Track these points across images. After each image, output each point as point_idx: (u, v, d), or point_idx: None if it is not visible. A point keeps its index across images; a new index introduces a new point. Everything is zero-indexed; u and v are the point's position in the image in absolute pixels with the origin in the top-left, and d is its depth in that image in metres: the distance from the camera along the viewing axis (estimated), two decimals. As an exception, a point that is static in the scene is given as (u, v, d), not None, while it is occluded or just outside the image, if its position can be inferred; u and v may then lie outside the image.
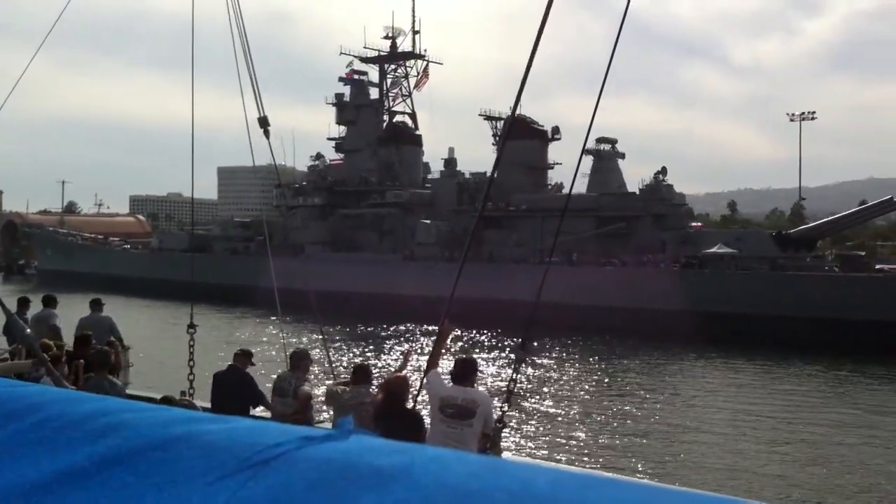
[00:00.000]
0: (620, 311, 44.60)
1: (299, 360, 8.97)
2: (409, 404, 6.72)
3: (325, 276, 58.54)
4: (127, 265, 72.66)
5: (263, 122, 9.76)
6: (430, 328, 44.63)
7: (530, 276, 50.38)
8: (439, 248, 57.20)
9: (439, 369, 6.90)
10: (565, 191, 63.41)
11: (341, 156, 76.86)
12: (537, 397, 26.76)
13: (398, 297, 50.18)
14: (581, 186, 65.15)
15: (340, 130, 77.28)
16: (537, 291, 6.60)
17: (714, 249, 48.19)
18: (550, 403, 25.83)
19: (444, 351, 7.30)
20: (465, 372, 6.64)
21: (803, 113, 71.62)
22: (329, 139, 77.98)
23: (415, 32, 75.66)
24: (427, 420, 6.60)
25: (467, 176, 67.06)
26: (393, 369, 9.23)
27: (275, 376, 9.52)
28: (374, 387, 7.91)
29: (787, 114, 72.31)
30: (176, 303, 56.54)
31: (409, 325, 45.05)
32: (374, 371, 8.97)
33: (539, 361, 34.92)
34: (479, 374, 7.35)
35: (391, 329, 43.86)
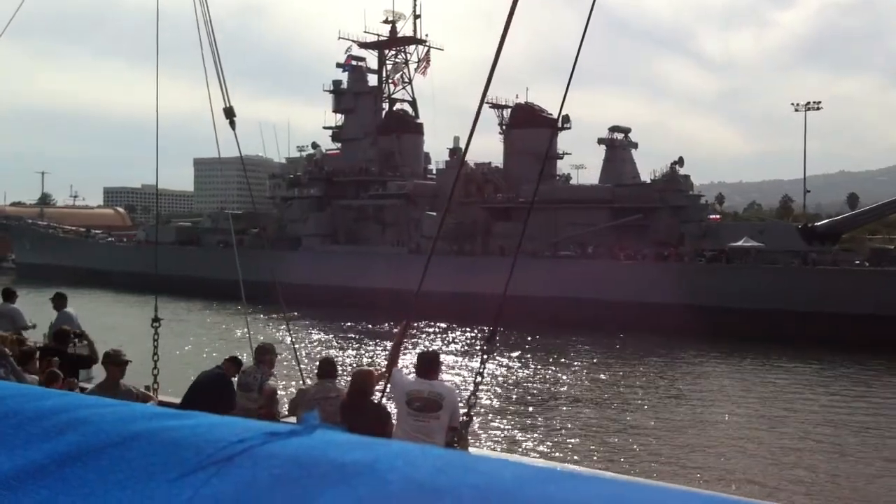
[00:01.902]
0: (643, 307, 42.39)
1: (264, 354, 8.81)
2: (375, 398, 6.81)
3: (326, 271, 56.28)
4: (112, 259, 69.89)
5: (229, 113, 9.78)
6: (436, 325, 42.62)
7: (545, 270, 48.33)
8: (447, 242, 54.74)
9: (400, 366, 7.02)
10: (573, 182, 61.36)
11: (338, 145, 74.23)
12: (552, 395, 26.31)
13: (403, 291, 47.69)
14: (594, 177, 63.20)
15: (338, 119, 74.69)
16: (505, 284, 6.31)
17: (740, 243, 46.11)
18: (570, 402, 25.42)
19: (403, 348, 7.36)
20: (429, 365, 6.76)
21: (808, 103, 69.72)
22: (325, 128, 76.25)
23: (416, 16, 73.19)
24: (393, 414, 6.69)
25: (472, 166, 64.49)
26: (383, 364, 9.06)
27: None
28: (340, 381, 7.91)
29: (792, 104, 70.41)
30: (163, 298, 54.14)
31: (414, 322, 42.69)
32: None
33: (549, 358, 34.35)
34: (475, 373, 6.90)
35: (393, 324, 41.69)
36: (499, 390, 27.25)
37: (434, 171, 71.94)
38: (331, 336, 41.20)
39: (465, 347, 37.01)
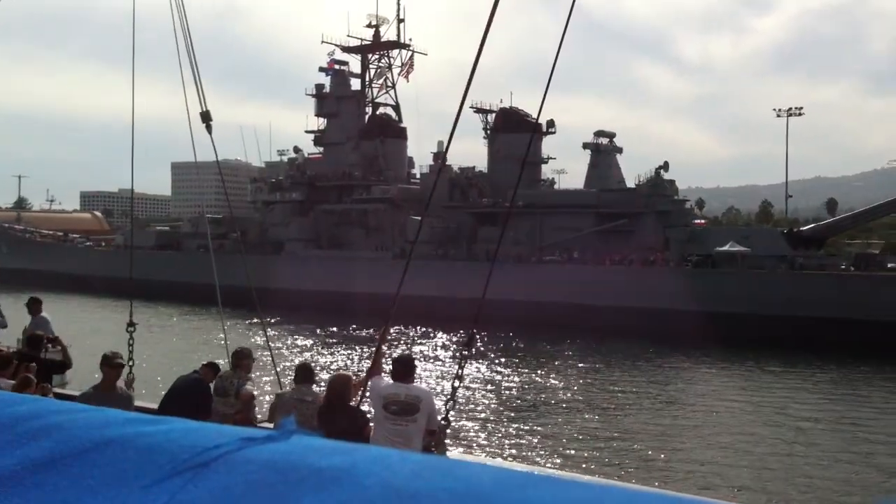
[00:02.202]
0: (629, 312, 42.31)
1: (241, 359, 8.73)
2: (353, 402, 6.86)
3: (309, 276, 55.76)
4: (89, 263, 68.83)
5: (206, 117, 9.82)
6: (421, 329, 42.21)
7: (529, 276, 48.16)
8: (432, 246, 54.29)
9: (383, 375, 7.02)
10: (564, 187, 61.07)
11: (321, 149, 73.57)
12: (536, 399, 26.11)
13: (386, 296, 47.07)
14: (575, 182, 63.09)
15: (320, 123, 74.05)
16: (483, 288, 6.65)
17: (726, 248, 46.03)
18: (554, 408, 25.19)
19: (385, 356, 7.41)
20: (405, 370, 6.79)
21: (790, 109, 70.07)
22: (308, 132, 75.47)
23: (399, 20, 72.79)
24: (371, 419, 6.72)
25: (456, 170, 64.17)
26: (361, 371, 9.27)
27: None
28: (316, 386, 7.93)
29: (774, 109, 71.04)
30: (146, 302, 53.81)
31: (398, 326, 43.22)
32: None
33: (533, 363, 34.19)
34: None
35: (374, 331, 41.33)
36: (481, 395, 27.08)
37: (418, 176, 71.44)
38: (312, 341, 40.92)
39: (449, 352, 36.79)
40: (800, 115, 70.79)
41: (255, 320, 47.02)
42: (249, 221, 73.45)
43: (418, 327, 43.51)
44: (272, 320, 48.92)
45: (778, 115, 70.90)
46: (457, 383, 6.56)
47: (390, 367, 6.96)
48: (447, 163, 67.74)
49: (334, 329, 44.17)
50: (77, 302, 57.27)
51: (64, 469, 1.27)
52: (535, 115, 53.87)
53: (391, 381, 6.71)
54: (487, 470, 1.17)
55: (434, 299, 42.33)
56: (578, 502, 1.09)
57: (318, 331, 44.24)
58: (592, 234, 53.40)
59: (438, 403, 7.14)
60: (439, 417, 6.63)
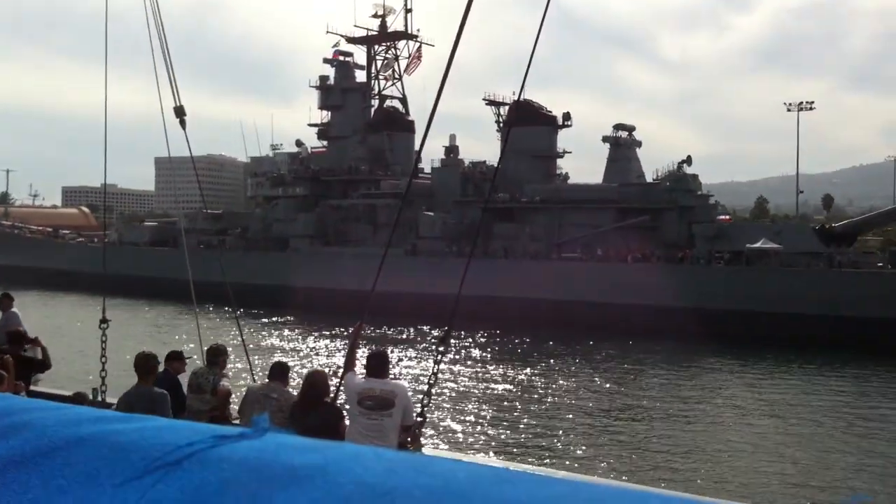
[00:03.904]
0: (661, 311, 40.62)
1: (216, 356, 8.79)
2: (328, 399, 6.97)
3: (316, 273, 53.77)
4: (84, 260, 66.21)
5: (179, 112, 9.90)
6: (431, 329, 40.45)
7: (549, 274, 46.53)
8: (444, 243, 52.29)
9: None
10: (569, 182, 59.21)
11: (324, 143, 71.34)
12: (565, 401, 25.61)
13: (399, 295, 44.93)
14: (597, 176, 61.24)
15: (324, 116, 72.01)
16: (460, 284, 6.43)
17: (758, 245, 44.37)
18: (588, 410, 24.70)
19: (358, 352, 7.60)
20: (380, 365, 6.85)
21: (801, 103, 68.63)
22: (310, 125, 73.86)
23: (407, 10, 70.96)
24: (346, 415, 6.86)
25: (468, 164, 62.24)
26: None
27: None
28: (288, 384, 7.91)
29: (785, 103, 69.41)
30: (142, 301, 52.08)
31: (403, 327, 42.32)
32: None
33: (551, 362, 33.32)
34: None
35: (381, 330, 40.94)
36: (482, 393, 26.99)
37: (428, 170, 69.37)
38: (310, 340, 40.18)
39: (464, 351, 36.11)
40: (811, 109, 69.40)
41: (265, 320, 45.34)
42: (250, 217, 71.21)
43: (410, 326, 42.24)
44: (288, 319, 47.18)
45: (788, 110, 69.51)
46: (433, 380, 6.53)
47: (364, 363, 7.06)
48: (459, 156, 66.05)
49: (340, 329, 42.29)
50: (66, 299, 55.56)
51: (33, 468, 1.24)
52: (549, 109, 52.16)
53: (365, 377, 6.76)
54: (464, 466, 1.16)
55: (446, 297, 40.32)
56: (554, 498, 1.08)
57: (313, 328, 43.59)
58: (613, 230, 51.63)
59: (414, 399, 7.20)
60: (415, 413, 6.63)
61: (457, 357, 33.91)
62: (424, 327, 41.48)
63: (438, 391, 25.92)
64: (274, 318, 47.40)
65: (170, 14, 9.68)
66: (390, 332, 40.70)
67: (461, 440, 20.65)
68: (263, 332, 42.85)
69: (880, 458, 20.25)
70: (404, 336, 41.31)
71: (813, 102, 68.73)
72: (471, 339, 39.01)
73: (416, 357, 34.22)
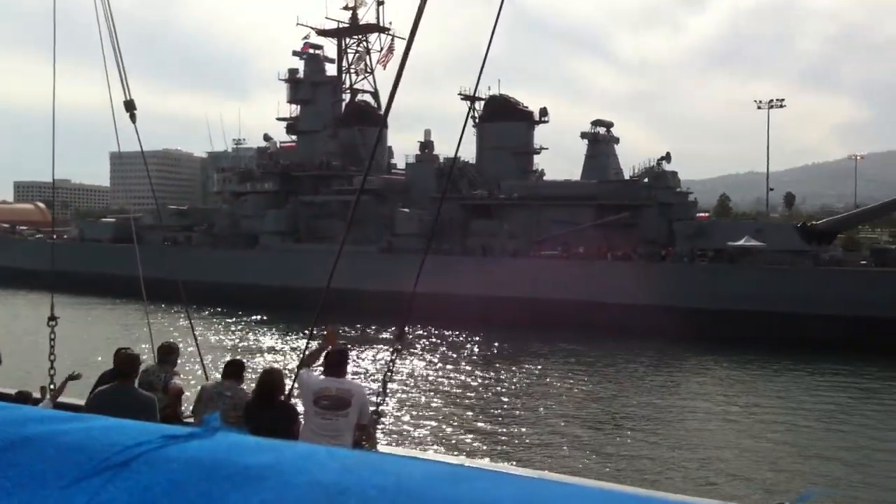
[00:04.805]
0: (645, 310, 39.99)
1: (167, 354, 8.61)
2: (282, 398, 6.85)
3: (287, 271, 52.25)
4: (44, 258, 63.55)
5: (129, 106, 9.83)
6: (429, 328, 39.63)
7: (531, 272, 45.72)
8: (421, 240, 51.08)
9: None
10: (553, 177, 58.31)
11: (294, 138, 69.62)
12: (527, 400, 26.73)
13: (373, 293, 43.56)
14: (575, 173, 60.53)
15: (293, 110, 70.25)
16: (415, 281, 6.56)
17: (741, 242, 43.84)
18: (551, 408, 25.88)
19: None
20: (338, 363, 6.73)
21: (771, 101, 68.95)
22: (279, 119, 72.73)
23: (378, 3, 69.50)
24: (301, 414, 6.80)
25: (442, 160, 61.08)
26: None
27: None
28: (243, 383, 7.65)
29: (755, 101, 69.61)
30: (106, 298, 50.21)
31: (372, 326, 42.13)
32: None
33: (524, 359, 33.86)
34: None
35: (353, 330, 40.80)
36: (447, 392, 26.83)
37: (401, 166, 68.13)
38: (276, 338, 39.75)
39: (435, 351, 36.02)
40: (781, 107, 69.67)
41: (228, 319, 43.60)
42: (216, 213, 69.14)
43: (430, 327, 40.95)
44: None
45: (759, 108, 69.74)
46: (388, 376, 6.60)
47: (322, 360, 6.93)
48: (434, 151, 64.78)
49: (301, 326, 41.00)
50: (25, 298, 53.47)
51: None
52: (525, 105, 51.16)
53: (322, 376, 6.65)
54: (419, 464, 1.16)
55: (433, 296, 39.25)
56: (510, 496, 1.06)
57: (279, 328, 42.74)
58: (592, 227, 50.92)
59: (370, 397, 7.10)
60: (370, 411, 6.59)
61: (423, 355, 33.82)
62: (393, 326, 40.43)
63: (402, 390, 26.29)
64: (240, 316, 46.08)
65: (126, 6, 9.10)
66: (352, 333, 39.89)
67: (418, 437, 20.46)
68: (231, 331, 41.47)
69: (859, 452, 20.43)
70: (371, 334, 40.57)
71: (783, 100, 68.91)
72: (442, 338, 38.71)
73: (372, 359, 33.54)
